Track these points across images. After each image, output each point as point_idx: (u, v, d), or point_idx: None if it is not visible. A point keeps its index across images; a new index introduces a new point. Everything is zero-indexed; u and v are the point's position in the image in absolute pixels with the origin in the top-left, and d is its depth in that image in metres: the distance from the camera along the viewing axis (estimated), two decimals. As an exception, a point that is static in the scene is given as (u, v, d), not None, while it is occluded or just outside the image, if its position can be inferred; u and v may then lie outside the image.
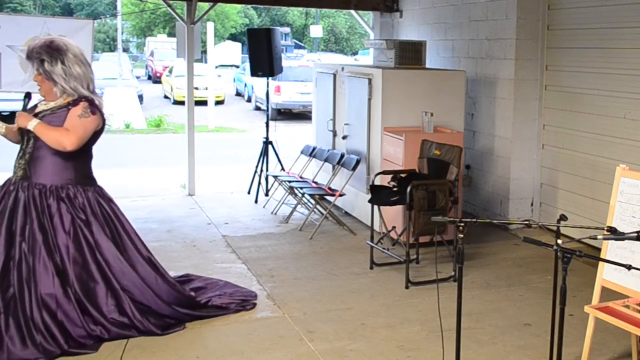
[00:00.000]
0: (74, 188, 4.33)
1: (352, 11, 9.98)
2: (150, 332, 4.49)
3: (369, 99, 7.08)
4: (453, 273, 5.81)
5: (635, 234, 3.14)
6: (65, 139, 4.16)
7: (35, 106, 4.41)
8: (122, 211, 4.60)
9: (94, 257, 4.33)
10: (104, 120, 4.43)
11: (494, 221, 3.87)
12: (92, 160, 4.52)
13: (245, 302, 5.12)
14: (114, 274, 4.39)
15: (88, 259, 4.32)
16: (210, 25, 19.62)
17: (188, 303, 4.80)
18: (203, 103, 18.26)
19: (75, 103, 4.28)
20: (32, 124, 4.19)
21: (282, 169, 8.79)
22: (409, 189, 5.62)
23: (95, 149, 4.50)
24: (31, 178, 4.29)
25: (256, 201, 8.59)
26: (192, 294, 4.95)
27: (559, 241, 3.37)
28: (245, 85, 24.98)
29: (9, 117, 4.34)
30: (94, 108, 4.31)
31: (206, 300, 4.97)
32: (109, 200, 4.53)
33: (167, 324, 4.61)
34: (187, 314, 4.74)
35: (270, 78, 9.14)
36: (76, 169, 4.35)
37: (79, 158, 4.36)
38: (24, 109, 4.40)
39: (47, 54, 4.24)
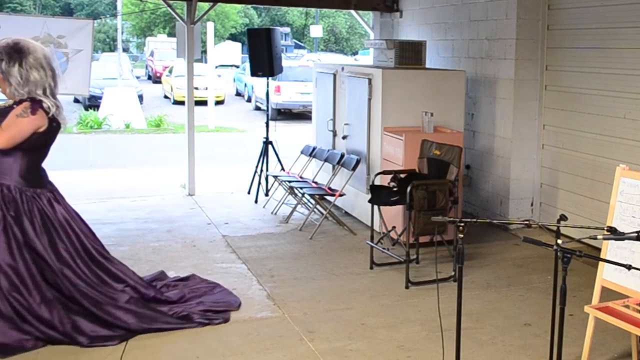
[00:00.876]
0: (12, 185, 4.27)
1: (352, 11, 9.98)
2: (73, 339, 4.31)
3: (369, 99, 7.08)
4: (453, 273, 5.81)
5: (635, 234, 3.15)
6: None
7: None
8: (69, 210, 4.50)
9: (21, 253, 4.24)
10: (53, 122, 4.31)
11: (494, 221, 3.88)
12: (42, 161, 4.42)
13: (222, 312, 4.90)
14: (42, 272, 4.29)
15: (15, 256, 4.22)
16: (210, 25, 19.62)
17: (142, 305, 4.62)
18: (203, 103, 18.25)
19: (19, 102, 4.25)
20: None
21: (282, 169, 8.79)
22: (409, 189, 5.62)
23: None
24: None
25: (256, 201, 8.59)
26: (155, 295, 4.79)
27: (559, 241, 3.37)
28: (245, 85, 24.99)
29: None
30: (36, 108, 4.22)
31: (174, 312, 4.76)
32: (52, 200, 4.42)
33: (107, 334, 4.41)
34: (138, 325, 4.51)
35: (270, 78, 9.14)
36: (15, 167, 4.27)
37: (23, 157, 4.28)
38: None
39: (7, 54, 4.23)
